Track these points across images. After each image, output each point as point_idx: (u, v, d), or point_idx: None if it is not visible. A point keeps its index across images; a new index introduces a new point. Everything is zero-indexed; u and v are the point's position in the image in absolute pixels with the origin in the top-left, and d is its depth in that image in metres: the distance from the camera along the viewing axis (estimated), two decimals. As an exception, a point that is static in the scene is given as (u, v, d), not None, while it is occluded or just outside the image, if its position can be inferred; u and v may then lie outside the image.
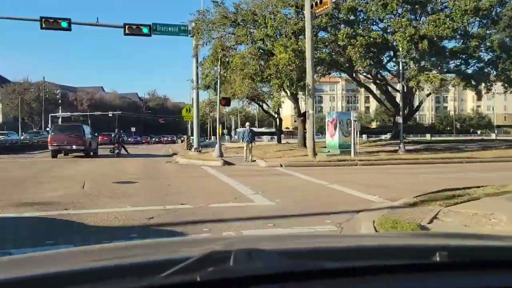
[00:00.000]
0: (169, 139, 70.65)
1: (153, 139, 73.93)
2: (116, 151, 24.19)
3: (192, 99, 28.96)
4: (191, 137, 32.47)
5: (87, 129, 23.81)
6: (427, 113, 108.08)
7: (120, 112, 73.61)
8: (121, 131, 27.52)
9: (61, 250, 2.87)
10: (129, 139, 66.97)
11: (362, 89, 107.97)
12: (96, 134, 26.98)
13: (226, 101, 22.79)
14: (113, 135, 26.87)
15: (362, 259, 1.15)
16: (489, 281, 1.09)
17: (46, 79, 73.55)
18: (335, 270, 1.03)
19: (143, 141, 72.59)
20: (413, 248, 1.33)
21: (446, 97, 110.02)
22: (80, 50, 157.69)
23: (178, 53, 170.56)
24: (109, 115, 70.29)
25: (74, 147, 21.59)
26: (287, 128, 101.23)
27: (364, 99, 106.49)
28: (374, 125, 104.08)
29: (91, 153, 23.23)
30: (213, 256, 1.02)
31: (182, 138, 67.63)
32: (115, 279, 0.94)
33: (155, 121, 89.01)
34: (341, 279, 1.02)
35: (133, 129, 78.92)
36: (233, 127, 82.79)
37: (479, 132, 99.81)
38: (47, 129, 65.29)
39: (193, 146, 28.40)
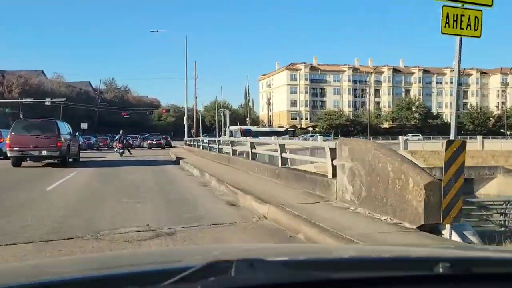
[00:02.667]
0: (155, 142, 45.18)
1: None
2: (120, 151, 25.41)
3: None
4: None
5: (64, 127, 18.56)
6: (445, 110, 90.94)
7: (62, 100, 52.55)
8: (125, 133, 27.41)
9: (62, 258, 2.78)
10: (80, 140, 45.29)
11: (372, 81, 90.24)
12: (78, 134, 21.50)
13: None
14: (117, 136, 26.94)
15: (365, 270, 1.15)
16: None
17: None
18: (337, 281, 1.05)
19: (100, 143, 49.43)
20: (415, 260, 1.34)
21: (467, 91, 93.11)
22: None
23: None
24: (46, 103, 48.90)
25: (44, 152, 16.51)
26: (281, 126, 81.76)
27: (374, 92, 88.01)
28: (386, 124, 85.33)
29: (71, 160, 18.56)
30: (215, 265, 1.02)
31: (164, 140, 45.79)
32: None
33: (113, 116, 68.50)
34: None
35: (83, 125, 57.83)
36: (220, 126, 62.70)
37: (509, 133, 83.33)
38: None
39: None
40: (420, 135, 73.08)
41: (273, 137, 56.60)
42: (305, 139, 56.20)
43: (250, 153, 13.65)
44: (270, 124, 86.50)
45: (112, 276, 1.10)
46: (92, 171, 15.63)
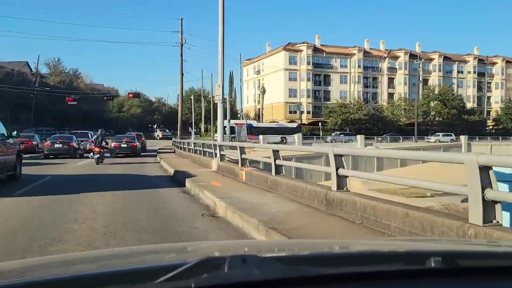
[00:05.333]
0: (125, 145, 26.09)
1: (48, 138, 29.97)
2: (96, 156, 19.55)
3: None
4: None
5: None
6: (468, 105, 76.41)
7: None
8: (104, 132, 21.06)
9: (53, 256, 2.80)
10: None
11: (385, 68, 74.76)
12: (14, 135, 14.20)
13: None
14: (95, 137, 21.19)
15: (358, 265, 1.16)
16: (483, 287, 1.13)
17: None
18: (330, 276, 1.07)
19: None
20: (407, 254, 1.35)
21: (490, 83, 79.14)
22: None
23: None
24: None
25: None
26: (274, 121, 65.01)
27: (388, 82, 72.27)
28: (403, 120, 69.82)
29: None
30: (208, 262, 1.04)
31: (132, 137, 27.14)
32: (109, 286, 0.97)
33: (58, 106, 50.89)
34: (336, 285, 1.06)
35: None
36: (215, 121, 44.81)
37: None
38: None
39: None
40: (452, 134, 59.32)
41: (295, 136, 40.36)
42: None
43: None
44: (260, 119, 69.57)
45: (104, 274, 1.10)
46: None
